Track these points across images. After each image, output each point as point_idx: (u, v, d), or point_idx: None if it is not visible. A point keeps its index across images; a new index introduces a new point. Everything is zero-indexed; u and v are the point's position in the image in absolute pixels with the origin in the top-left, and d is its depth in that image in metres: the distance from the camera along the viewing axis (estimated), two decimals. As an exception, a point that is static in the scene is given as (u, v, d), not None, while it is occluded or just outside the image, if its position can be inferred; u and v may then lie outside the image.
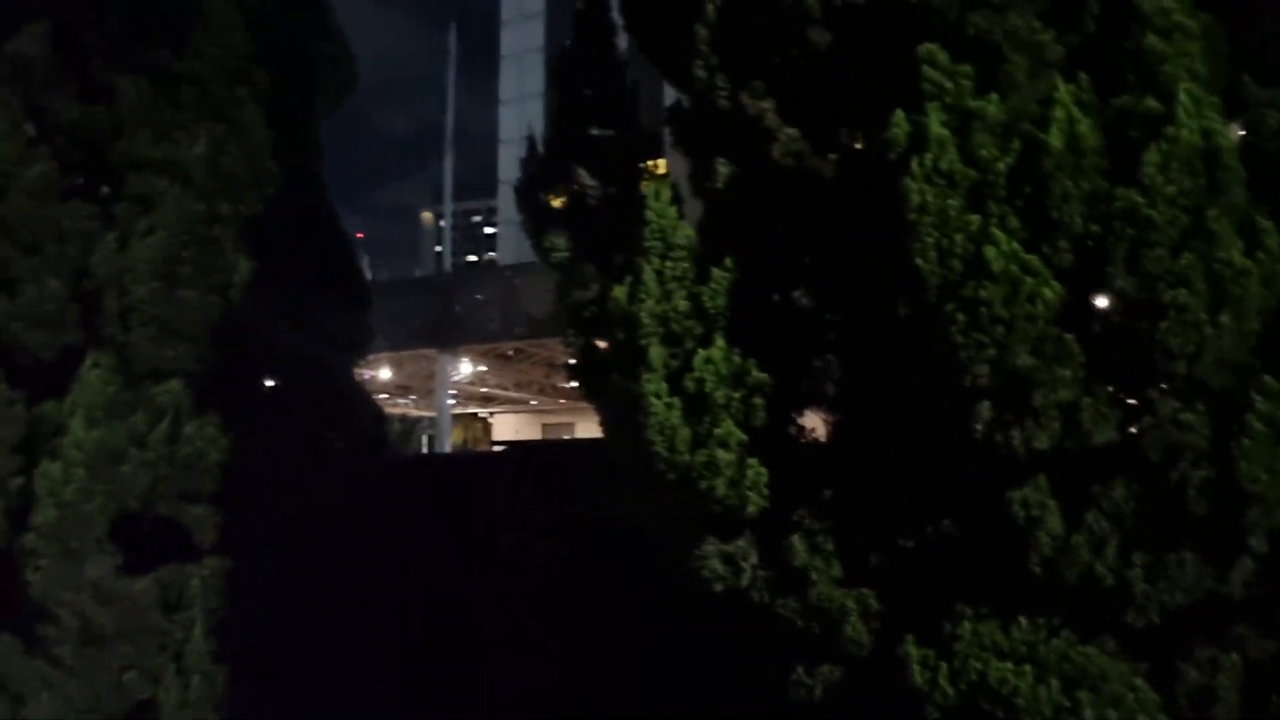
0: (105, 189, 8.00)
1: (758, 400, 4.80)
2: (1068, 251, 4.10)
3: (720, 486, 4.66)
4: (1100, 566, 4.30)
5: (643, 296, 4.80)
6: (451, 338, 37.14)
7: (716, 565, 4.86)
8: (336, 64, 9.08)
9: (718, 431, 4.67)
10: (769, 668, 5.10)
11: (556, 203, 5.64)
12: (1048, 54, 4.38)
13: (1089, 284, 4.14)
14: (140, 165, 7.34)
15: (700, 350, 4.74)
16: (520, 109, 54.53)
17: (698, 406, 4.71)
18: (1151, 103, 4.15)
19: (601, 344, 5.51)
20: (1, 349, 7.50)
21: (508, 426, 45.23)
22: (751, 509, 4.73)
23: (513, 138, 54.36)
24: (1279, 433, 4.01)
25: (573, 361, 5.76)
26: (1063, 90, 4.17)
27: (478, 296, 40.41)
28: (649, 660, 6.18)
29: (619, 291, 4.91)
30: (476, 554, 7.86)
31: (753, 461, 4.72)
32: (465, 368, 38.95)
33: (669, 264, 4.84)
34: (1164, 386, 4.13)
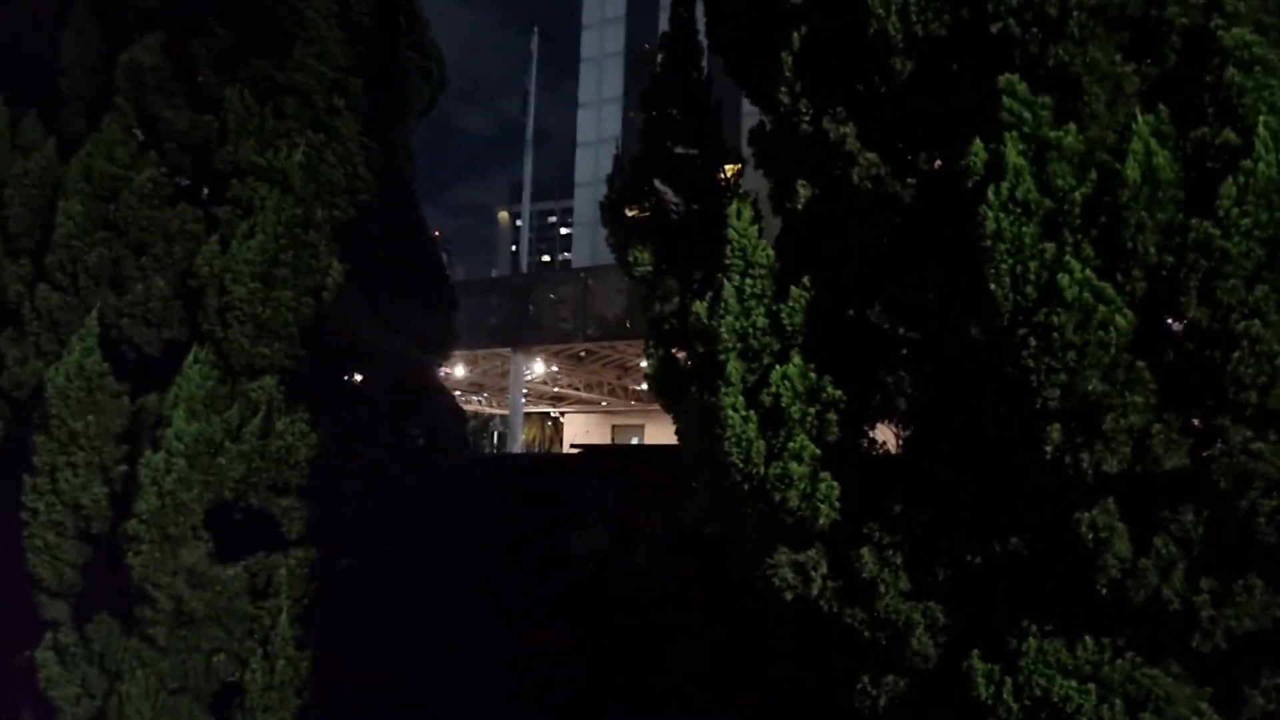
0: (207, 192, 8.40)
1: (832, 415, 4.94)
2: (1141, 280, 4.18)
3: (793, 498, 4.81)
4: (1167, 590, 4.36)
5: (723, 312, 4.97)
6: (525, 337, 37.62)
7: (788, 574, 5.01)
8: (428, 74, 9.39)
9: (792, 445, 4.82)
10: (835, 677, 5.24)
11: (638, 216, 5.84)
12: (1127, 86, 4.46)
13: (1162, 313, 4.21)
14: (243, 171, 7.70)
15: (777, 366, 4.90)
16: (598, 112, 55.00)
17: (773, 420, 4.87)
18: (1230, 135, 4.21)
19: (681, 356, 5.69)
20: (110, 343, 7.92)
21: (578, 426, 45.68)
22: (823, 520, 4.87)
23: (590, 140, 54.84)
24: (1350, 463, 4.06)
25: (652, 372, 5.95)
26: (1141, 122, 4.25)
27: (551, 296, 40.88)
28: (716, 668, 6.34)
29: (700, 306, 5.09)
30: (554, 553, 8.08)
31: (825, 475, 4.86)
32: (538, 367, 39.42)
33: (749, 281, 5.00)
34: (1235, 415, 4.19)
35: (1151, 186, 4.12)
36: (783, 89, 4.99)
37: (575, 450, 10.74)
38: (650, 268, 5.71)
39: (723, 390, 4.90)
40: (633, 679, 6.80)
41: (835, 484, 4.84)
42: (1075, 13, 4.35)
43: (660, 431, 39.71)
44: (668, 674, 6.65)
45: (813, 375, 4.93)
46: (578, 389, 44.58)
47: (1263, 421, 4.18)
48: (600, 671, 7.16)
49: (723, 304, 4.99)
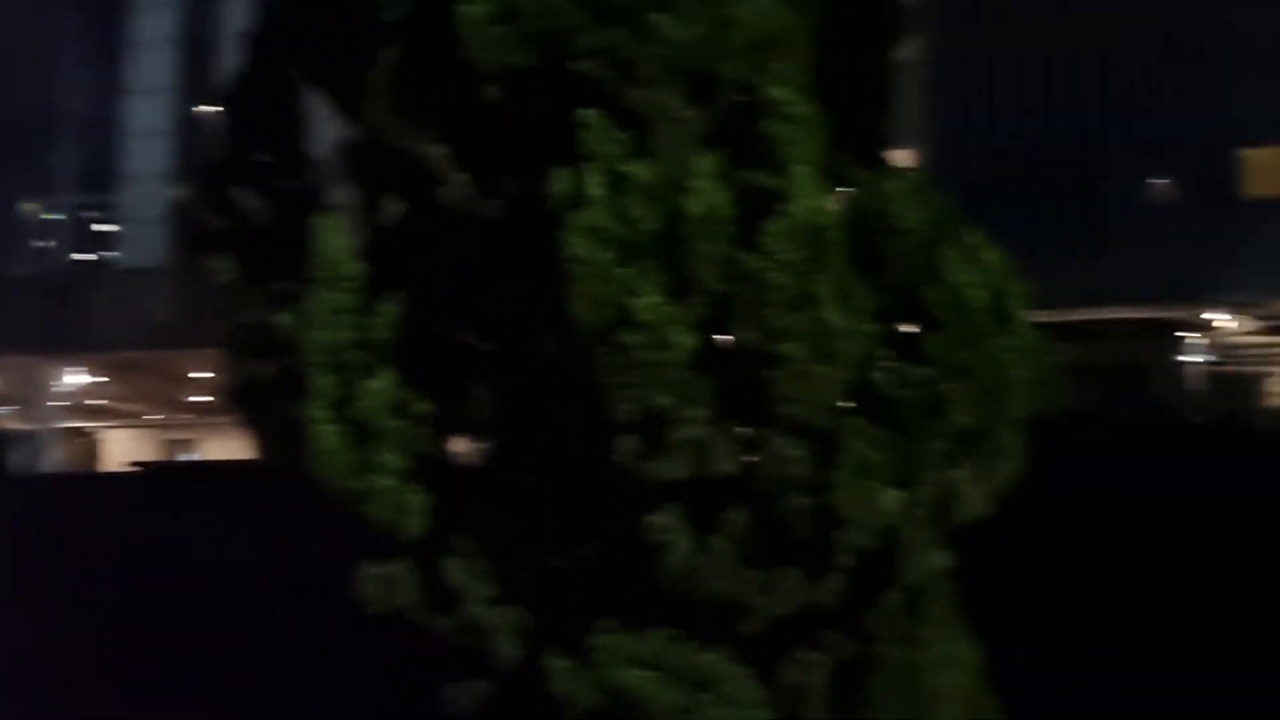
0: None
1: (420, 429, 5.04)
2: (703, 305, 4.69)
3: (381, 512, 4.85)
4: (721, 583, 4.91)
5: (310, 325, 4.90)
6: (61, 343, 33.96)
7: (374, 589, 5.02)
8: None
9: (380, 459, 4.85)
10: (423, 685, 5.32)
11: (217, 221, 5.58)
12: (690, 129, 4.97)
13: (719, 334, 4.74)
14: None
15: (366, 380, 4.91)
16: (151, 101, 50.82)
17: (361, 435, 4.87)
18: (773, 180, 4.83)
19: (263, 369, 5.50)
20: None
21: (124, 444, 41.80)
22: (410, 533, 4.95)
23: (140, 131, 50.49)
24: (864, 466, 4.79)
25: (230, 385, 5.70)
26: (701, 163, 4.77)
27: (93, 300, 37.26)
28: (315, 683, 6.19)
29: (286, 319, 4.97)
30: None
31: (412, 487, 4.94)
32: (76, 378, 35.71)
33: (338, 295, 4.97)
34: (777, 426, 4.80)
35: (712, 222, 4.63)
36: (374, 105, 5.02)
37: (137, 468, 9.92)
38: (232, 275, 5.47)
39: (310, 404, 4.83)
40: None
41: (422, 496, 4.94)
42: (646, 60, 4.77)
43: (221, 448, 37.42)
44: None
45: (401, 390, 5.00)
46: (126, 401, 40.87)
47: (798, 431, 4.83)
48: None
49: (310, 316, 4.91)
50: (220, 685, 6.70)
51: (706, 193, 4.64)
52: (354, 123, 5.40)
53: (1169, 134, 25.52)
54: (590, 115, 4.72)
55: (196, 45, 49.44)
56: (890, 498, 4.86)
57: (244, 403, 5.67)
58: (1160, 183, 26.97)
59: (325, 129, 5.69)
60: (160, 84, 50.23)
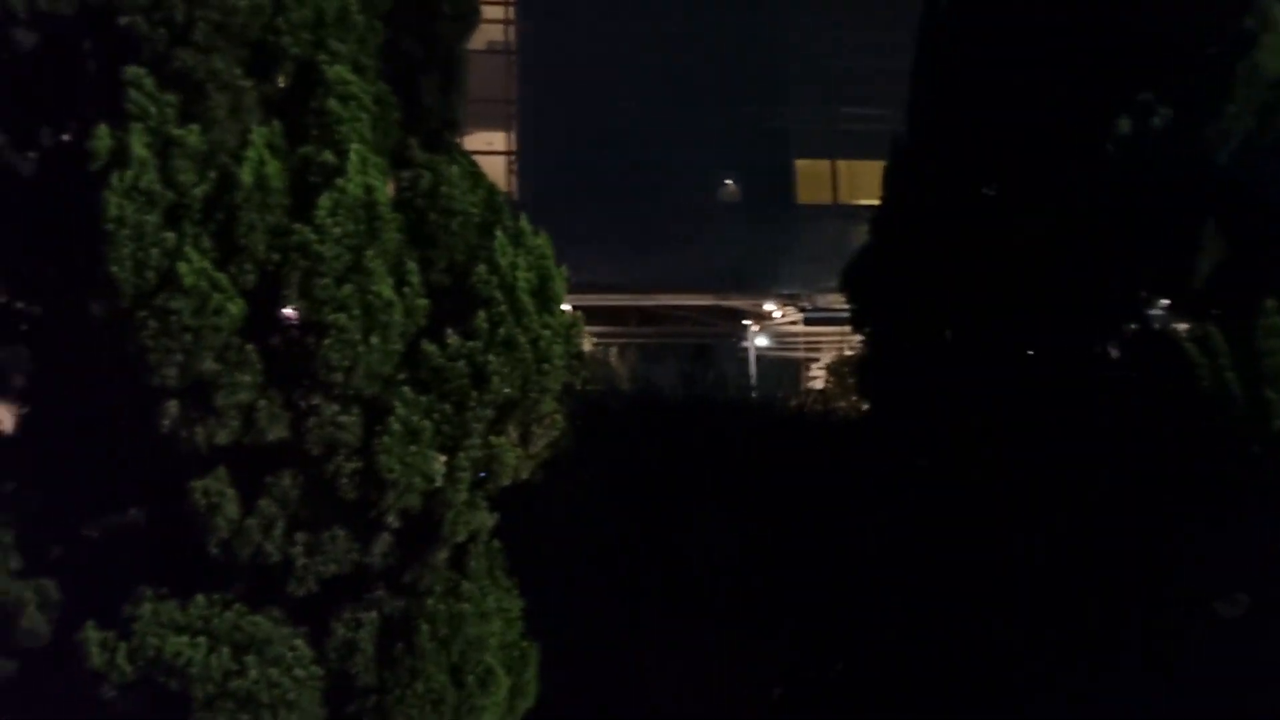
0: None
1: (-64, 392, 4.69)
2: (252, 273, 4.75)
3: (-117, 481, 4.48)
4: (269, 545, 5.00)
5: None
6: None
7: None
8: None
9: (-118, 423, 4.48)
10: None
11: None
12: (247, 98, 4.99)
13: (269, 303, 4.82)
14: None
15: None
16: None
17: None
18: (328, 156, 4.97)
19: None
20: None
21: None
22: (-82, 503, 4.61)
23: None
24: (412, 432, 5.08)
25: None
26: (257, 133, 4.82)
27: None
28: None
29: None
30: None
31: (-76, 455, 4.60)
32: None
33: None
34: (326, 393, 4.96)
35: (263, 192, 4.70)
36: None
37: None
38: None
39: None
40: None
41: (-64, 464, 4.61)
42: (201, 23, 4.74)
43: None
44: None
45: (-89, 349, 4.63)
46: None
47: (347, 399, 5.02)
48: None
49: None
50: None
51: (259, 162, 4.70)
52: None
53: (738, 138, 27.91)
54: (138, 74, 4.62)
55: None
56: (436, 462, 5.18)
57: None
58: (729, 183, 29.42)
59: None
60: None
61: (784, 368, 28.22)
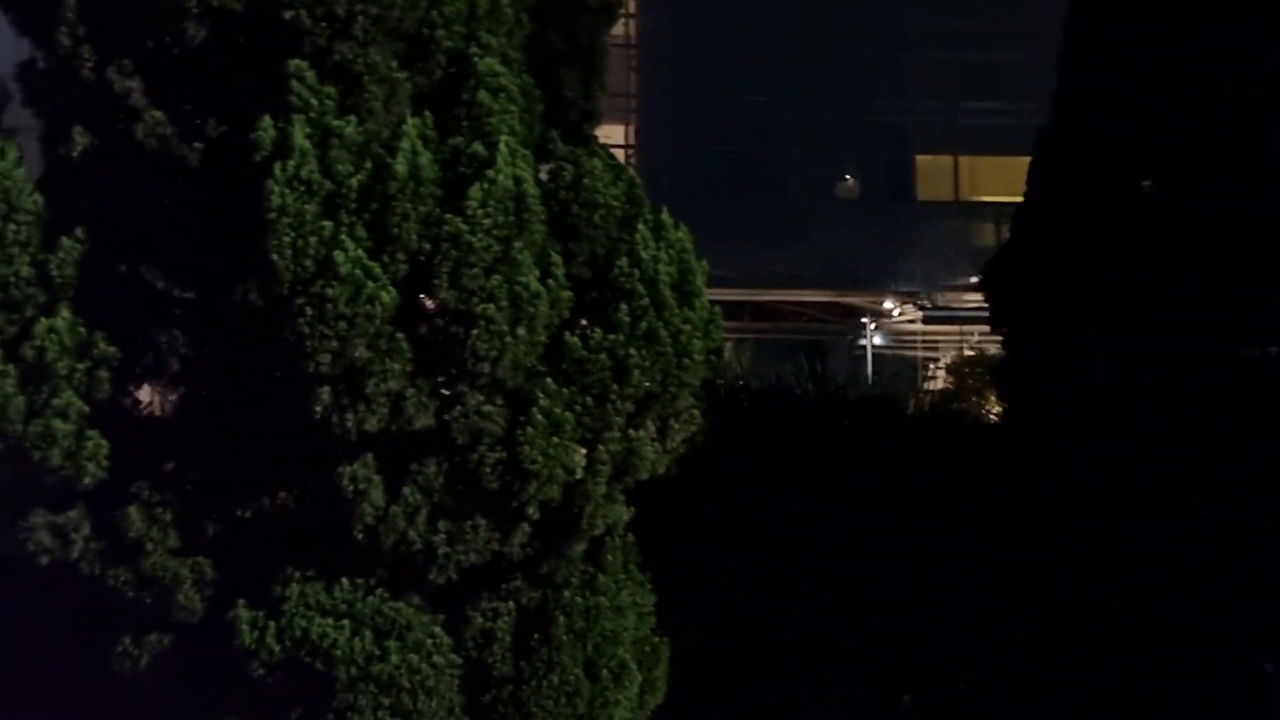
0: None
1: (103, 372, 4.86)
2: (404, 263, 4.81)
3: (56, 457, 4.65)
4: (413, 533, 5.07)
5: (-20, 258, 4.61)
6: None
7: (44, 537, 4.81)
8: None
9: (56, 402, 4.65)
10: (95, 641, 5.15)
11: None
12: (401, 90, 5.06)
13: (419, 292, 4.87)
14: None
15: (43, 319, 4.68)
16: None
17: (36, 375, 4.65)
18: (478, 147, 5.00)
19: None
20: None
21: None
22: (88, 480, 4.78)
23: None
24: (554, 424, 5.08)
25: None
26: (410, 124, 4.87)
27: None
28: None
29: (-49, 250, 4.65)
30: None
31: (92, 433, 4.77)
32: None
33: (13, 227, 4.69)
34: (471, 383, 5.00)
35: (416, 182, 4.75)
36: (63, 29, 4.76)
37: None
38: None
39: (-22, 342, 4.56)
40: None
41: (104, 442, 4.78)
42: (360, 17, 4.81)
43: None
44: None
45: (82, 330, 4.80)
46: None
47: (492, 388, 5.05)
48: None
49: (-19, 249, 4.61)
50: None
51: (412, 152, 4.74)
52: (39, 44, 5.09)
53: (857, 133, 27.52)
54: (300, 66, 4.71)
55: None
56: (577, 454, 5.18)
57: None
58: (848, 178, 29.04)
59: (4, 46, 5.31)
60: None
61: (901, 367, 27.64)
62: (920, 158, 28.41)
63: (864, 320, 30.97)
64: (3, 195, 4.71)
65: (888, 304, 29.12)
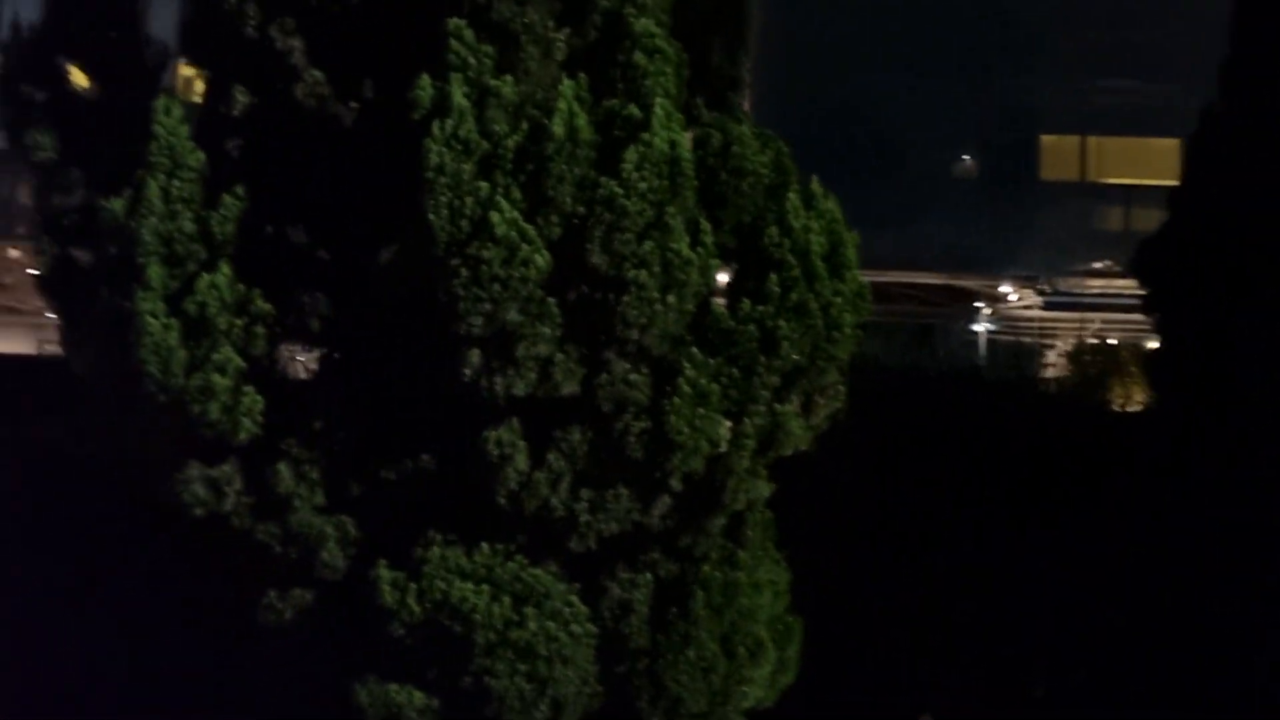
0: None
1: (259, 329, 4.91)
2: (558, 226, 4.73)
3: (214, 411, 4.71)
4: (555, 500, 5.02)
5: (145, 213, 4.66)
6: None
7: (199, 490, 4.88)
8: None
9: (216, 356, 4.70)
10: (241, 593, 5.23)
11: (39, 94, 5.20)
12: (556, 51, 4.97)
13: (572, 257, 4.79)
14: None
15: (204, 274, 4.73)
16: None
17: (197, 330, 4.70)
18: (633, 110, 4.90)
19: (81, 255, 5.20)
20: None
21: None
22: (243, 435, 4.83)
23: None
24: (700, 395, 4.97)
25: (44, 272, 5.36)
26: (566, 85, 4.78)
27: None
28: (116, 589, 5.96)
29: (116, 204, 4.72)
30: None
31: (248, 389, 4.81)
32: None
33: (176, 183, 4.75)
34: (619, 350, 4.91)
35: (573, 144, 4.66)
36: (226, -13, 4.79)
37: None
38: (53, 154, 5.12)
39: (140, 296, 4.62)
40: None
41: (259, 398, 4.82)
42: (519, -26, 4.74)
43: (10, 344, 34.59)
44: (40, 603, 6.08)
45: (241, 287, 4.85)
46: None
47: (639, 357, 4.96)
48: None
49: (145, 204, 4.67)
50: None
51: (569, 114, 4.66)
52: (203, 5, 5.13)
53: (979, 112, 26.82)
54: (459, 25, 4.65)
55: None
56: (722, 426, 5.06)
57: (60, 292, 5.35)
58: (966, 159, 28.37)
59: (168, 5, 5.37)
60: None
61: (1016, 353, 26.95)
62: (1045, 138, 27.55)
63: (977, 305, 30.30)
64: (168, 152, 4.76)
65: (1004, 288, 28.38)
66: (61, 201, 5.19)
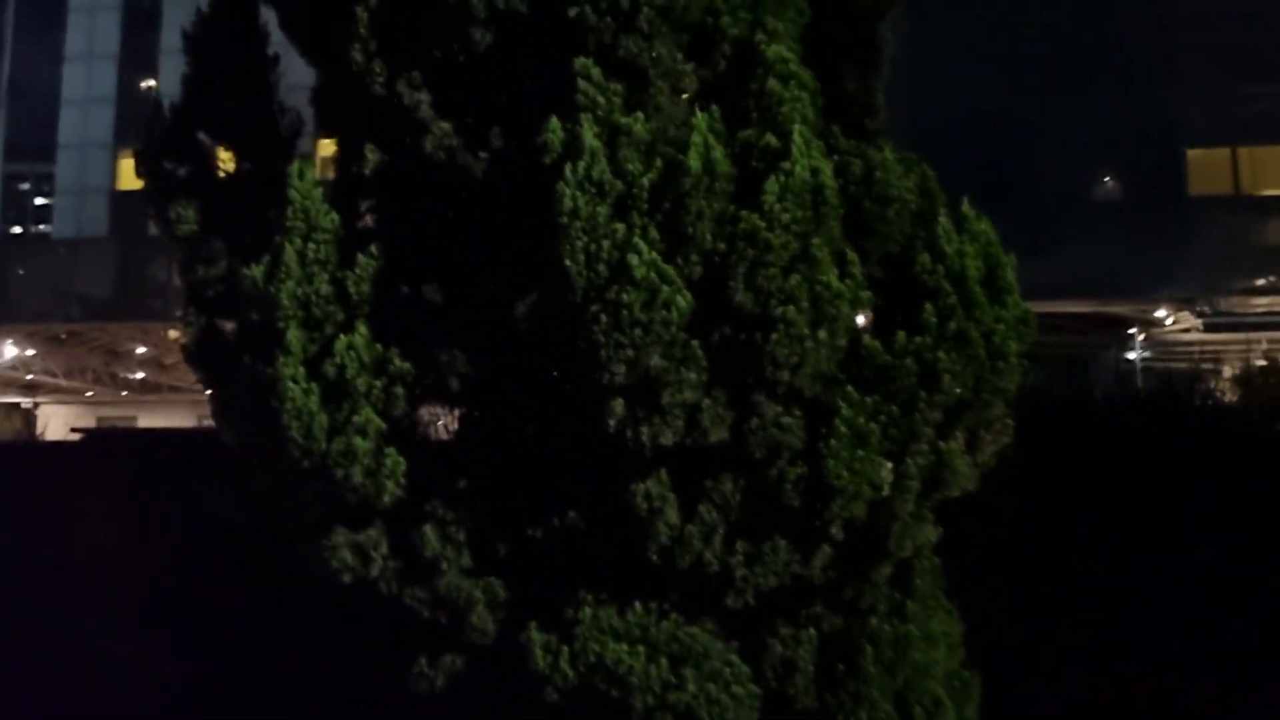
0: None
1: (398, 389, 4.81)
2: (698, 265, 4.51)
3: (357, 474, 4.61)
4: (709, 554, 4.74)
5: (283, 277, 4.64)
6: (-8, 315, 32.94)
7: (346, 555, 4.79)
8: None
9: (357, 419, 4.61)
10: (391, 660, 5.10)
11: (180, 171, 5.28)
12: (687, 84, 4.80)
13: (714, 296, 4.56)
14: None
15: (342, 336, 4.67)
16: (88, 69, 49.28)
17: (337, 393, 4.63)
18: (770, 139, 4.67)
19: (226, 325, 5.23)
20: None
21: (58, 419, 40.62)
22: (386, 498, 4.72)
23: (77, 99, 48.96)
24: (858, 435, 4.65)
25: (190, 343, 5.41)
26: (700, 118, 4.58)
27: (21, 271, 36.18)
28: (269, 655, 5.93)
29: (255, 271, 4.71)
30: (52, 553, 7.08)
31: (390, 450, 4.71)
32: (7, 350, 34.62)
33: (312, 245, 4.72)
34: (769, 392, 4.64)
35: (709, 178, 4.45)
36: (356, 46, 4.75)
37: (77, 436, 9.55)
38: (195, 226, 5.18)
39: (281, 361, 4.58)
40: (157, 672, 6.15)
41: (401, 460, 4.71)
42: (645, 9, 4.58)
43: (156, 423, 36.47)
44: (202, 666, 6.09)
45: (379, 346, 4.76)
46: (56, 376, 39.74)
47: (791, 398, 4.68)
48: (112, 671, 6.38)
49: (283, 269, 4.65)
50: (167, 645, 6.42)
51: (705, 147, 4.45)
52: (330, 66, 5.14)
53: (1118, 129, 25.76)
54: (586, 64, 4.52)
55: (138, 12, 48.09)
56: (884, 469, 4.73)
57: (207, 362, 5.39)
58: (1108, 178, 27.27)
59: (300, 69, 5.41)
60: (100, 51, 48.76)
61: (1180, 378, 25.48)
62: (1191, 152, 26.23)
63: (1130, 331, 28.91)
64: (302, 215, 4.74)
65: (1160, 312, 26.99)
66: (205, 273, 5.24)
